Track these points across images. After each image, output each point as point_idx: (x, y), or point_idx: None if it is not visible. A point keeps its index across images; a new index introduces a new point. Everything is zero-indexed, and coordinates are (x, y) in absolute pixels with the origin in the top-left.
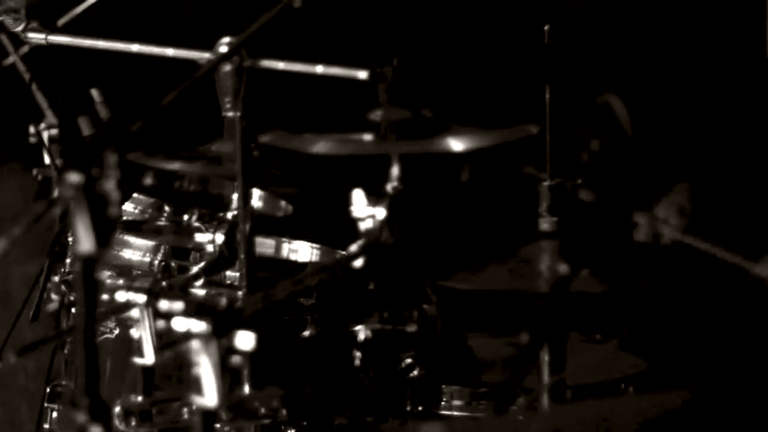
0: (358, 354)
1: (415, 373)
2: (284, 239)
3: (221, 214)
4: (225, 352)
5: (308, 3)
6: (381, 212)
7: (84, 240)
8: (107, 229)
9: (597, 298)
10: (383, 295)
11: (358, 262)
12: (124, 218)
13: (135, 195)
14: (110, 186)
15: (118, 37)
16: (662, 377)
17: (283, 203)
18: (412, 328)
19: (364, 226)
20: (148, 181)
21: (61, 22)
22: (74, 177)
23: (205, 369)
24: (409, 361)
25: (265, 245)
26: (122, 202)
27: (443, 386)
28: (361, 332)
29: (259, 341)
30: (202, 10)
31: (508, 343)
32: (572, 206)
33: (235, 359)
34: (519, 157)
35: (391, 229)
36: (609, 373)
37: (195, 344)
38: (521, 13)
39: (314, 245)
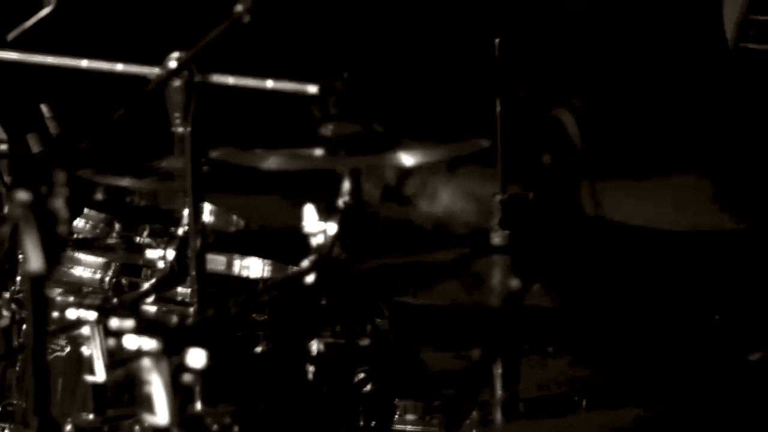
0: (311, 368)
1: (369, 387)
2: (236, 255)
3: (172, 230)
4: (176, 370)
5: (257, 18)
6: (332, 227)
7: (33, 258)
8: (56, 247)
9: (549, 312)
10: (336, 309)
11: (310, 278)
12: (75, 235)
13: (85, 210)
14: (59, 204)
15: (67, 52)
16: (615, 391)
17: (234, 218)
18: (365, 342)
19: (316, 241)
20: (99, 196)
21: (11, 36)
22: (23, 195)
23: (157, 387)
24: (362, 375)
25: (216, 261)
26: (72, 219)
27: (396, 400)
28: (314, 346)
29: (211, 358)
30: (151, 25)
31: (460, 357)
32: (524, 220)
33: (187, 377)
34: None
35: (342, 245)
36: (562, 387)
37: (146, 362)
38: (472, 27)
39: (266, 261)
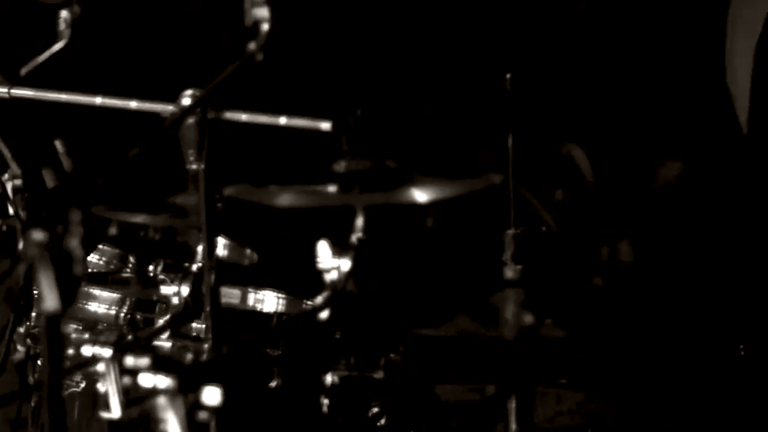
0: (325, 401)
1: (383, 421)
2: (250, 289)
3: (186, 265)
4: (191, 408)
5: (270, 56)
6: (346, 263)
7: (48, 297)
8: (71, 286)
9: (560, 343)
10: (350, 342)
11: (324, 314)
12: (89, 270)
13: (100, 246)
14: (74, 243)
15: (81, 88)
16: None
17: (248, 252)
18: (379, 375)
19: (330, 277)
20: (113, 231)
21: (24, 71)
22: (38, 235)
23: (172, 425)
24: (376, 409)
25: (231, 295)
26: (86, 255)
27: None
28: (329, 378)
29: (226, 395)
30: (165, 62)
31: (474, 390)
32: (536, 255)
33: (202, 414)
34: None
35: (355, 280)
36: (575, 419)
37: (161, 400)
38: (483, 61)
39: (280, 295)
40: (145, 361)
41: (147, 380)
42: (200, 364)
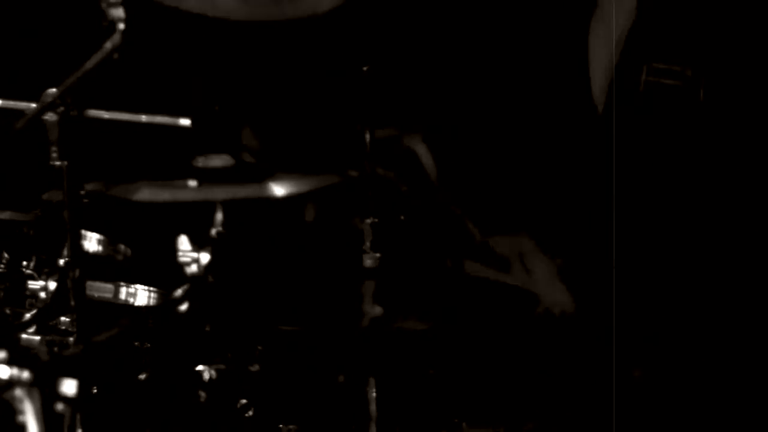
0: (198, 393)
1: (251, 413)
2: (122, 283)
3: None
4: (48, 399)
5: (128, 55)
6: (205, 257)
7: None
8: None
9: (420, 335)
10: (224, 336)
11: (184, 307)
12: None
13: None
14: None
15: None
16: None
17: (122, 247)
18: (254, 368)
19: (190, 270)
20: None
21: None
22: None
23: (29, 416)
24: (244, 401)
25: (103, 289)
26: None
27: (280, 426)
28: (206, 373)
29: (84, 387)
30: (28, 61)
31: (335, 381)
32: (394, 243)
33: (60, 406)
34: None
35: (215, 274)
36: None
37: (18, 392)
38: (340, 56)
39: (151, 289)
40: (1, 354)
41: (4, 372)
42: (59, 358)
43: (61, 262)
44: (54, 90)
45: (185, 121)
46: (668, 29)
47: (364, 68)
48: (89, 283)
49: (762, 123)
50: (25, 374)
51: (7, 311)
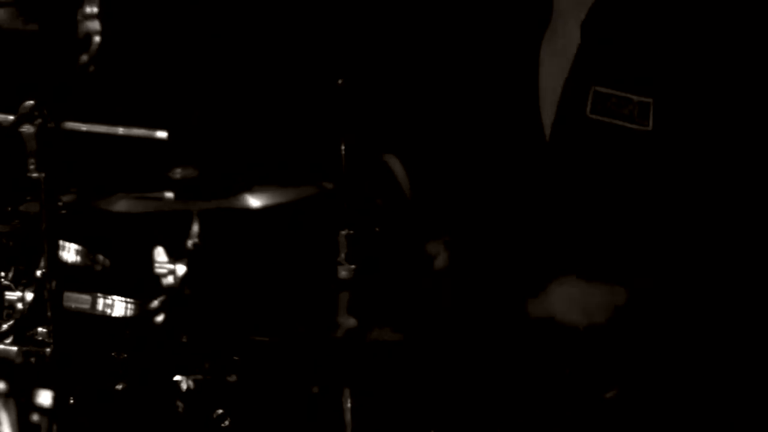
0: (175, 404)
1: (227, 423)
2: (99, 294)
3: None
4: (23, 410)
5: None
6: (182, 268)
7: None
8: None
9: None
10: (201, 346)
11: (160, 318)
12: None
13: None
14: None
15: None
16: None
17: (100, 257)
18: (232, 378)
19: (166, 282)
20: None
21: None
22: None
23: (5, 427)
24: (220, 411)
25: (81, 300)
26: None
27: None
28: (183, 383)
29: (61, 398)
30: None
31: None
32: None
33: (36, 417)
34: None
35: (191, 285)
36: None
37: None
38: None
39: (128, 300)
40: None
41: None
42: (36, 368)
43: (39, 273)
44: (31, 102)
45: (162, 134)
46: (614, 54)
47: (339, 81)
48: (66, 294)
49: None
50: (1, 385)
51: None
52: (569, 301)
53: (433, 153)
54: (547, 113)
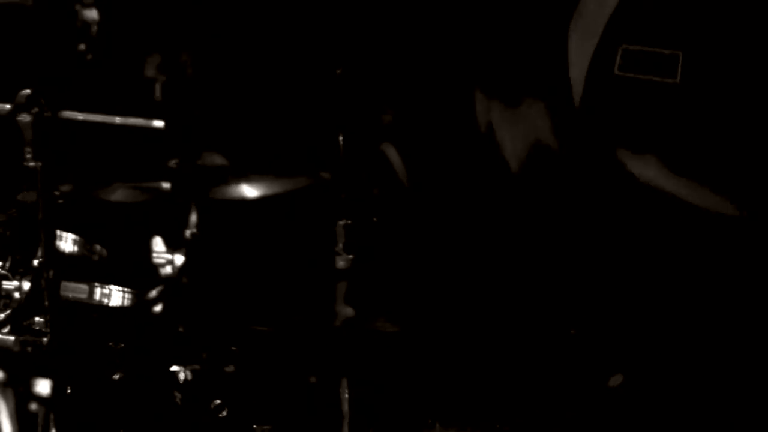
0: (173, 394)
1: (225, 413)
2: (96, 284)
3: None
4: (22, 400)
5: (103, 57)
6: (180, 258)
7: None
8: None
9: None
10: (198, 336)
11: (158, 307)
12: None
13: None
14: None
15: None
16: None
17: (97, 247)
18: (229, 368)
19: (164, 271)
20: None
21: None
22: None
23: (3, 417)
24: (217, 402)
25: (78, 290)
26: None
27: (255, 426)
28: (180, 373)
29: (58, 387)
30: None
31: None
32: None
33: (34, 406)
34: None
35: (189, 275)
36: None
37: None
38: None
39: (125, 289)
40: None
41: None
42: (33, 357)
43: (36, 262)
44: (28, 91)
45: (158, 123)
46: (645, 13)
47: (337, 71)
48: (64, 284)
49: (739, 102)
50: None
51: None
52: None
53: (431, 143)
54: (577, 81)
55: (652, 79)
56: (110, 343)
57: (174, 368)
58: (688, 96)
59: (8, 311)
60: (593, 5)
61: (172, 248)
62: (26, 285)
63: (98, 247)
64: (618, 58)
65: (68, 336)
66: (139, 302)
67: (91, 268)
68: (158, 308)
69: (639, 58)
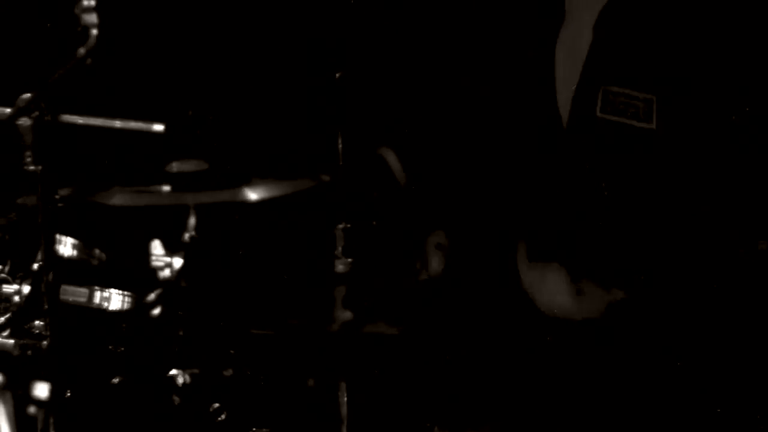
0: (172, 398)
1: (223, 417)
2: (96, 287)
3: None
4: (20, 402)
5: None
6: (178, 261)
7: None
8: None
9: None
10: (197, 340)
11: (157, 311)
12: None
13: None
14: None
15: None
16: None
17: (96, 251)
18: (228, 372)
19: (163, 275)
20: None
21: None
22: None
23: (1, 420)
24: (216, 405)
25: (78, 293)
26: None
27: (253, 429)
28: (179, 377)
29: (57, 391)
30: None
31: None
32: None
33: (33, 409)
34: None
35: (188, 278)
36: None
37: None
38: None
39: (125, 293)
40: None
41: None
42: (33, 361)
43: (35, 266)
44: (28, 95)
45: (158, 127)
46: (623, 53)
47: (337, 74)
48: (63, 287)
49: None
50: None
51: None
52: (560, 282)
53: (430, 146)
54: (564, 110)
55: (631, 123)
56: (109, 347)
57: (173, 372)
58: (663, 142)
59: (8, 315)
60: (576, 36)
61: (170, 252)
62: (26, 288)
63: (98, 250)
64: (599, 99)
65: (68, 339)
66: (139, 306)
67: (90, 271)
68: (157, 312)
69: (619, 100)
